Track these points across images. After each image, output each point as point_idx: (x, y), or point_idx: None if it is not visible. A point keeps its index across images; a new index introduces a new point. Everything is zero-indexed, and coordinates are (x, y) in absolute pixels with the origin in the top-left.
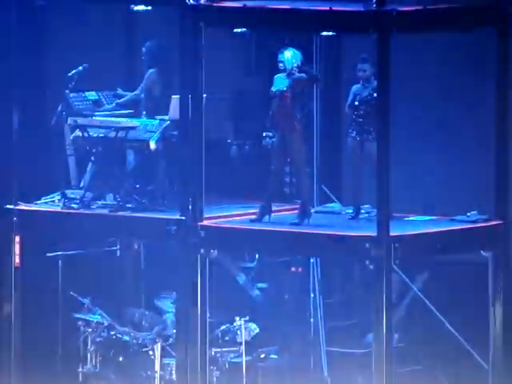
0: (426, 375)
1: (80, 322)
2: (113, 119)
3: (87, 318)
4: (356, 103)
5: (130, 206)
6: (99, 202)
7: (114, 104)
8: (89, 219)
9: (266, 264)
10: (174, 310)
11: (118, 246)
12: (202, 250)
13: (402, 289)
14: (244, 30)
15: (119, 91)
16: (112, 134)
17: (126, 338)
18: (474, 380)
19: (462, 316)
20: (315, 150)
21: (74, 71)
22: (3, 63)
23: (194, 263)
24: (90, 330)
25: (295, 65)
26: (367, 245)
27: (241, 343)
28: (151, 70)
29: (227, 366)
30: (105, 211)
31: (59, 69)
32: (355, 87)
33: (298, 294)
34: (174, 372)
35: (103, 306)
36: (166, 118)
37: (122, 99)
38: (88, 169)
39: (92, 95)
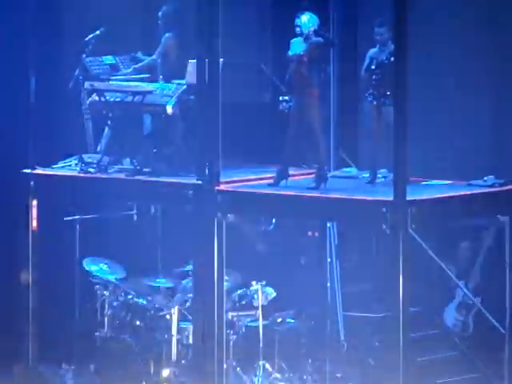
0: (441, 339)
1: (97, 286)
2: (130, 83)
3: (104, 282)
4: (373, 67)
5: (146, 170)
6: (116, 167)
7: (131, 69)
8: (106, 183)
9: (282, 228)
10: (191, 275)
11: (135, 211)
12: (218, 214)
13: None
14: None
15: (139, 55)
16: (129, 99)
17: (143, 301)
18: (491, 344)
19: (478, 281)
20: (332, 115)
21: (90, 35)
22: (20, 27)
23: (210, 227)
24: (107, 293)
25: (312, 29)
26: (384, 209)
27: (257, 307)
28: (167, 35)
29: (244, 330)
30: (122, 175)
31: (76, 33)
32: (372, 51)
33: (314, 258)
34: (190, 336)
35: (121, 270)
36: (183, 82)
37: (139, 64)
38: (105, 133)
39: (109, 59)
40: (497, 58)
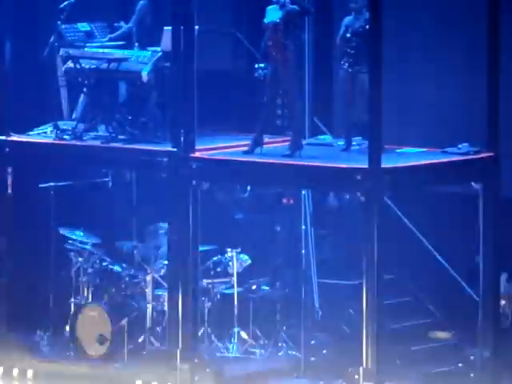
0: (415, 306)
1: (72, 253)
2: (105, 50)
3: (79, 249)
4: (348, 35)
5: (121, 137)
6: (91, 134)
7: (107, 38)
8: (81, 150)
9: (257, 196)
10: (165, 242)
11: (110, 178)
12: (193, 182)
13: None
14: None
15: (122, 24)
16: (104, 66)
17: (118, 268)
18: (464, 311)
19: (452, 248)
20: (307, 82)
21: (65, 2)
22: None
23: (185, 195)
24: (81, 260)
25: None
26: (358, 177)
27: (232, 274)
28: (142, 2)
29: (219, 296)
30: (97, 142)
31: (51, 0)
32: (347, 19)
33: (289, 225)
34: (165, 303)
35: (95, 237)
36: (158, 49)
37: (115, 33)
38: (80, 100)
39: (84, 26)
40: (471, 31)
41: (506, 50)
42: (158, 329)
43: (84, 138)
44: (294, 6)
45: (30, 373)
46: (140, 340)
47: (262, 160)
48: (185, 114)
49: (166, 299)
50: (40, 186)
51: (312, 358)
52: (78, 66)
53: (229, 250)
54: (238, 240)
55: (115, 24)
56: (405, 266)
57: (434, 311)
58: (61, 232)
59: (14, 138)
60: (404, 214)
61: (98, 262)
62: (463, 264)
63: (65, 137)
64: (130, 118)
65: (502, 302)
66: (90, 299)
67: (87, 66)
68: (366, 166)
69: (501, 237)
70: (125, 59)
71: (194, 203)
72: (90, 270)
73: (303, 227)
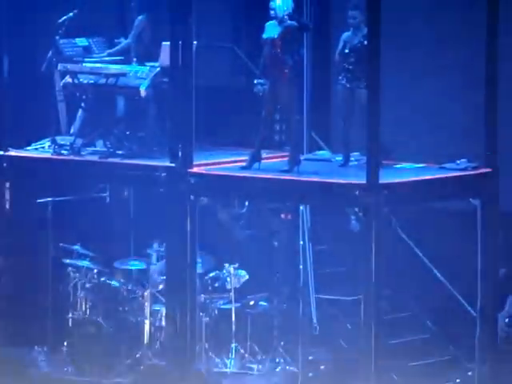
0: (413, 322)
1: (70, 268)
2: (103, 65)
3: (77, 264)
4: (346, 51)
5: (119, 152)
6: (89, 149)
7: (105, 53)
8: (79, 165)
9: (255, 211)
10: (163, 257)
11: (108, 193)
12: (191, 197)
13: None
14: None
15: (121, 40)
16: (102, 81)
17: (116, 284)
18: (462, 326)
19: (450, 264)
20: (305, 98)
21: (64, 17)
22: None
23: (183, 210)
24: (79, 275)
25: (286, 12)
26: (357, 192)
27: (230, 290)
28: (140, 17)
29: (216, 312)
30: (95, 158)
31: (49, 15)
32: (345, 34)
33: (287, 241)
34: (163, 318)
35: (93, 252)
36: (157, 64)
37: (114, 49)
38: (78, 115)
39: (82, 41)
40: (470, 47)
41: (505, 65)
42: (155, 344)
43: (82, 153)
44: (293, 22)
45: None
46: (138, 355)
47: (260, 175)
48: (183, 129)
49: (164, 314)
50: (38, 201)
51: (310, 374)
52: (76, 81)
53: (226, 265)
54: (236, 255)
55: (115, 40)
56: (403, 281)
57: (432, 327)
58: (59, 246)
59: (12, 152)
60: (402, 229)
61: (95, 276)
62: (461, 279)
63: (63, 152)
64: (127, 133)
65: None
66: (88, 314)
67: (85, 81)
68: (365, 182)
69: (499, 252)
70: (123, 74)
71: (191, 218)
72: (87, 286)
73: (301, 242)
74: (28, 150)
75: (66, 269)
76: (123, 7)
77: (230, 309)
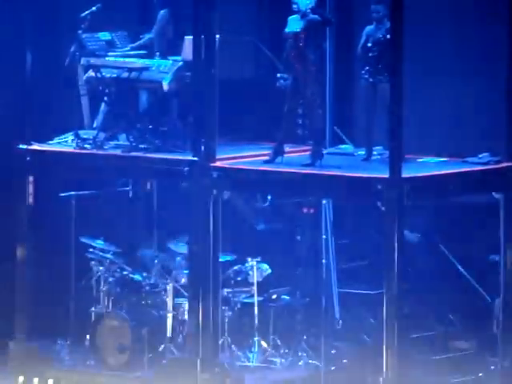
0: (436, 316)
1: (93, 262)
2: (126, 60)
3: (100, 258)
4: (369, 45)
5: (142, 146)
6: (112, 143)
7: (128, 47)
8: (101, 159)
9: (278, 205)
10: (186, 251)
11: (131, 187)
12: (214, 191)
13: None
14: None
15: (146, 36)
16: (125, 75)
17: (139, 277)
18: (485, 320)
19: (473, 258)
20: (328, 92)
21: (87, 12)
22: (17, 4)
23: (206, 204)
24: (102, 269)
25: (309, 6)
26: (379, 186)
27: (253, 284)
28: (163, 11)
29: (239, 306)
30: (117, 151)
31: (73, 9)
32: (368, 28)
33: (310, 235)
34: (185, 312)
35: (116, 246)
36: (179, 58)
37: (137, 43)
38: (101, 109)
39: (105, 35)
40: (491, 40)
41: None
42: (178, 338)
43: (105, 147)
44: (316, 16)
45: (50, 382)
46: (160, 349)
47: (282, 169)
48: (206, 123)
49: (187, 308)
50: (61, 194)
51: (332, 368)
52: (98, 75)
53: (249, 259)
54: (259, 249)
55: (140, 36)
56: (425, 275)
57: (455, 320)
58: (82, 240)
59: (35, 146)
60: (425, 223)
61: (118, 271)
62: (485, 274)
63: (86, 146)
64: (150, 127)
65: None
66: (111, 308)
67: (108, 75)
68: (387, 176)
69: None
70: (146, 68)
71: (214, 212)
72: (110, 279)
73: (324, 236)
74: (51, 143)
75: (89, 263)
76: (146, 1)
77: (253, 303)
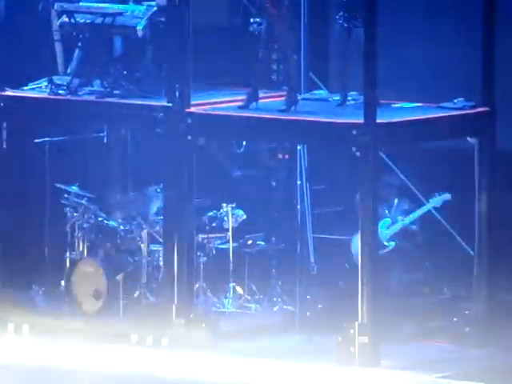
0: (411, 261)
1: (67, 209)
2: (100, 5)
3: (74, 204)
4: None
5: (116, 92)
6: (86, 89)
7: None
8: (76, 105)
9: (253, 151)
10: (161, 197)
11: (105, 133)
12: (189, 137)
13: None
14: None
15: None
16: (99, 20)
17: (114, 224)
18: (459, 266)
19: (447, 203)
20: (303, 37)
21: None
22: None
23: (181, 150)
24: (76, 215)
25: None
26: (354, 132)
27: (227, 229)
28: None
29: (214, 252)
30: (92, 97)
31: None
32: None
33: (285, 180)
34: (161, 258)
35: (90, 192)
36: (153, 4)
37: None
38: (75, 55)
39: None
40: None
41: (503, 4)
42: (153, 284)
43: (79, 93)
44: None
45: (25, 328)
46: (135, 295)
47: (257, 115)
48: (180, 68)
49: (162, 254)
50: (35, 141)
51: (307, 313)
52: (72, 21)
53: (224, 205)
54: (234, 195)
55: None
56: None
57: (430, 266)
58: (57, 186)
59: (9, 92)
60: (399, 169)
61: (93, 217)
62: (459, 218)
63: (60, 92)
64: (125, 72)
65: None
66: (86, 254)
67: (82, 21)
68: (362, 121)
69: (497, 190)
70: (120, 14)
71: (189, 158)
72: (85, 225)
73: (298, 182)
74: (25, 89)
75: (63, 209)
76: None
77: (228, 248)
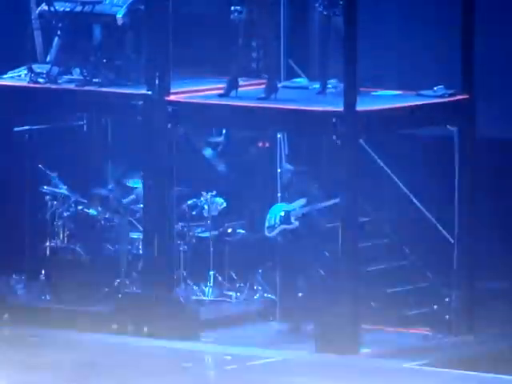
0: (391, 249)
1: (47, 197)
2: None
3: (54, 193)
4: None
5: (96, 80)
6: (66, 77)
7: None
8: (55, 94)
9: (232, 139)
10: (141, 186)
11: (85, 121)
12: (169, 125)
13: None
14: None
15: None
16: (78, 8)
17: (94, 212)
18: (439, 253)
19: (427, 191)
20: (283, 25)
21: None
22: None
23: (160, 138)
24: (56, 203)
25: None
26: (334, 120)
27: (208, 218)
28: None
29: (194, 240)
30: (71, 86)
31: None
32: None
33: (265, 168)
34: (141, 246)
35: (70, 181)
36: None
37: None
38: (54, 43)
39: None
40: None
41: None
42: (133, 273)
43: (58, 81)
44: None
45: (5, 317)
46: (115, 284)
47: (237, 103)
48: (160, 56)
49: (142, 243)
50: (15, 129)
51: (288, 301)
52: (52, 9)
53: (204, 193)
54: (213, 183)
55: None
56: (381, 209)
57: (410, 254)
58: (37, 174)
59: None
60: (380, 157)
61: (73, 205)
62: (439, 206)
63: (39, 80)
64: (104, 60)
65: None
66: (66, 243)
67: (61, 9)
68: (342, 109)
69: (476, 177)
70: (99, 2)
71: (169, 147)
72: (65, 214)
73: (279, 170)
74: (4, 78)
75: (43, 197)
76: None
77: (208, 237)
